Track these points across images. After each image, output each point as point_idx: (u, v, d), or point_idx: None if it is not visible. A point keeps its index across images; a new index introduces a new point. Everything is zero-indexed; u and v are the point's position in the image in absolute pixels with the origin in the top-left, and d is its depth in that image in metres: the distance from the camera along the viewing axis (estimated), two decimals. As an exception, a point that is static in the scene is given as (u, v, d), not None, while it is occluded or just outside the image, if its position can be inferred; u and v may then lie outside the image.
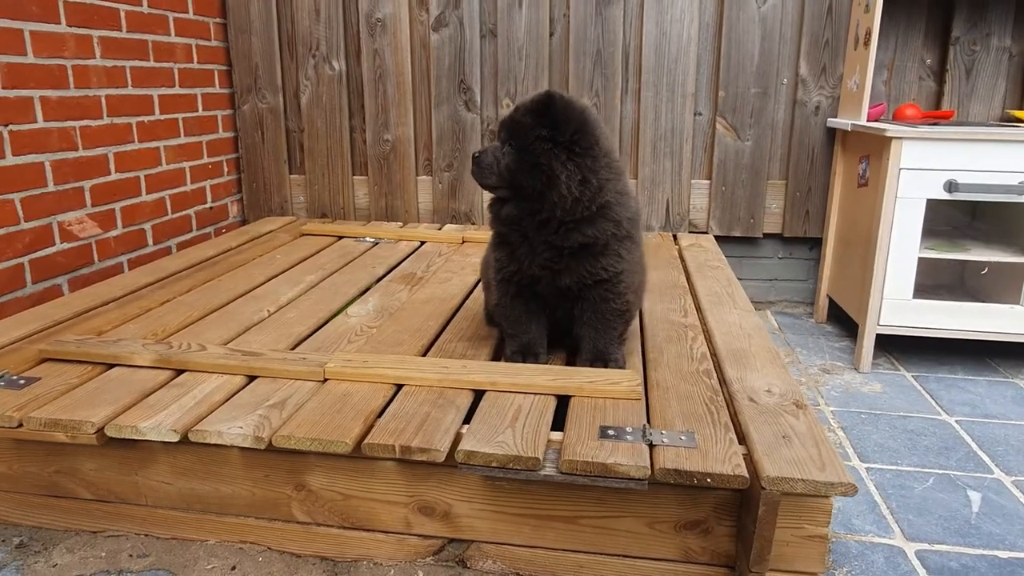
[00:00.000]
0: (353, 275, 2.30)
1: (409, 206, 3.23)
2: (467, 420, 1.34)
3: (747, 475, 1.15)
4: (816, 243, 3.05)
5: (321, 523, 1.42)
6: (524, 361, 1.58)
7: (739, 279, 3.14)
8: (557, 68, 3.02)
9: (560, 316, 1.58)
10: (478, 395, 1.45)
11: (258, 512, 1.44)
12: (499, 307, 1.60)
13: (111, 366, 1.54)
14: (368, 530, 1.40)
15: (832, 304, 2.88)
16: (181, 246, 2.91)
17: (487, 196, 2.91)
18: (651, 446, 1.24)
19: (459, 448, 1.22)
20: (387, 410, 1.37)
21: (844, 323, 2.90)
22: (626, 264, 1.50)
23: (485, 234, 2.73)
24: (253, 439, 1.26)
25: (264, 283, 2.19)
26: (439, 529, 1.38)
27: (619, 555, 1.33)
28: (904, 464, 1.84)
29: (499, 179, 1.48)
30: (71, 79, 2.31)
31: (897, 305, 2.35)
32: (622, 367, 1.54)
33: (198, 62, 2.97)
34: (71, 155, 2.32)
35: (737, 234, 3.06)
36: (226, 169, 3.23)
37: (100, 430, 1.30)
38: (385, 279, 2.30)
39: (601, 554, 1.34)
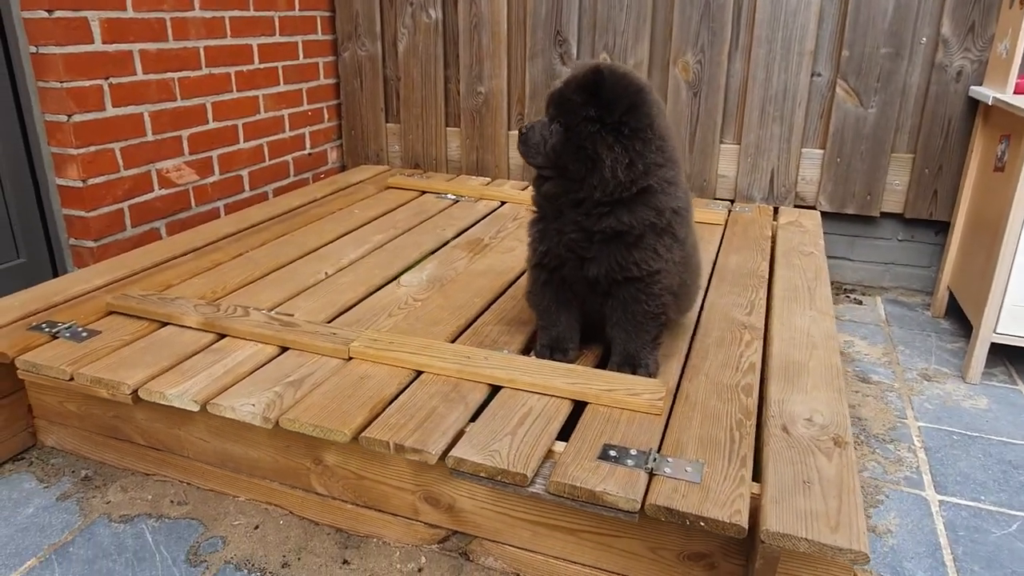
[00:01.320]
0: (421, 237, 2.30)
1: (499, 161, 3.17)
2: (476, 417, 1.32)
3: (745, 525, 1.05)
4: (944, 227, 2.70)
5: (336, 497, 1.45)
6: (551, 357, 1.51)
7: (849, 261, 2.87)
8: (660, 19, 2.79)
9: (592, 311, 1.49)
10: (495, 390, 1.41)
11: (281, 478, 1.49)
12: (530, 294, 1.54)
13: (164, 324, 1.64)
14: (379, 510, 1.43)
15: (952, 299, 2.56)
16: (278, 191, 3.03)
17: None
18: (651, 475, 1.16)
19: (450, 454, 1.20)
20: (397, 399, 1.37)
21: (964, 322, 2.58)
22: (663, 263, 1.38)
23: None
24: (262, 419, 1.30)
25: (333, 241, 2.24)
26: (443, 520, 1.38)
27: (620, 574, 1.27)
28: (987, 502, 1.63)
29: (545, 159, 1.39)
30: (170, 32, 2.40)
31: (1019, 312, 2.04)
32: (652, 375, 1.44)
33: (299, 9, 3.01)
34: (169, 105, 2.44)
35: (850, 211, 2.76)
36: (326, 116, 3.30)
37: (134, 392, 1.39)
38: (451, 243, 2.28)
39: (602, 570, 1.29)
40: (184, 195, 2.56)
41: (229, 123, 2.72)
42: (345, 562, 1.42)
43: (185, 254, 2.08)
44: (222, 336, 1.59)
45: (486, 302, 1.82)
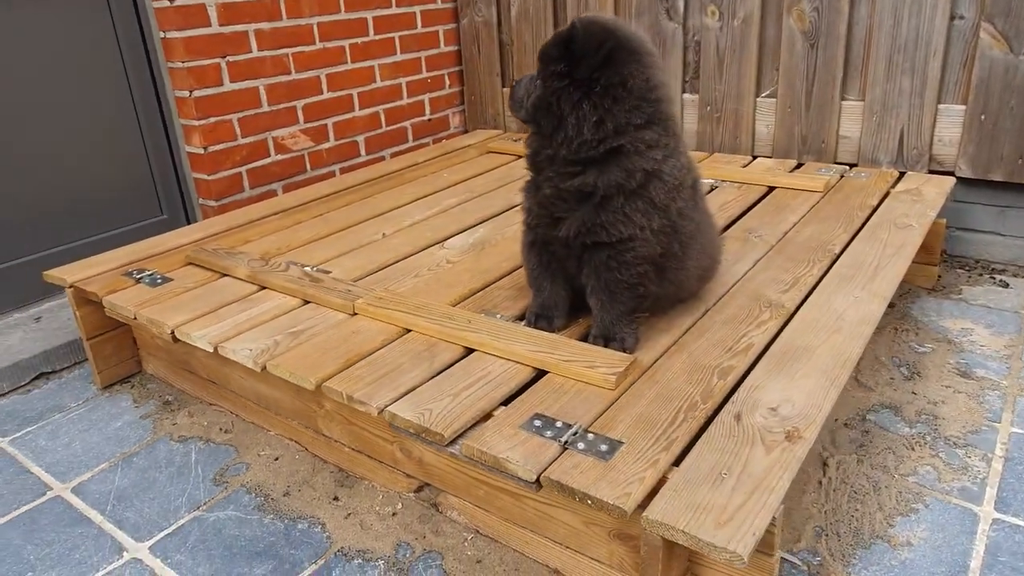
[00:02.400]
0: (491, 202, 2.35)
1: (608, 124, 3.09)
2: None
3: (627, 508, 1.00)
4: (1122, 198, 2.21)
5: (337, 440, 1.59)
6: (535, 324, 1.51)
7: (998, 236, 2.45)
8: (774, -35, 2.54)
9: (575, 278, 1.46)
10: (469, 352, 1.45)
11: (298, 418, 1.66)
12: (523, 257, 1.53)
13: (223, 275, 1.87)
14: (368, 456, 1.54)
15: (1120, 285, 2.11)
16: (395, 155, 3.23)
17: (687, 116, 2.67)
18: (564, 448, 1.14)
19: (387, 408, 1.27)
20: (374, 354, 1.46)
21: None
22: (634, 229, 1.31)
23: None
24: (252, 361, 1.46)
25: (407, 204, 2.36)
26: (416, 471, 1.46)
27: (560, 543, 1.27)
28: (1053, 529, 1.38)
29: (525, 114, 1.38)
30: (283, 10, 2.64)
31: None
32: (627, 349, 1.39)
33: (417, -20, 3.14)
34: (284, 79, 2.70)
35: (997, 178, 2.35)
36: (448, 82, 3.43)
37: (172, 332, 1.62)
38: (516, 208, 2.30)
39: (544, 537, 1.29)
40: (300, 160, 2.83)
41: (344, 93, 2.94)
42: (335, 498, 1.55)
43: (275, 214, 2.32)
44: (262, 288, 1.78)
45: (512, 267, 1.83)
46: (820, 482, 1.52)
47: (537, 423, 1.19)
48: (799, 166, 2.59)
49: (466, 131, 3.56)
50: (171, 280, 1.86)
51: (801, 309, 1.55)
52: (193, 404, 1.91)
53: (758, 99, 2.73)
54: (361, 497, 1.55)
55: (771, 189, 2.35)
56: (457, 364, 1.41)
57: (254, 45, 2.58)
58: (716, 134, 2.84)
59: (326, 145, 2.92)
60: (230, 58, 2.51)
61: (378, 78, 3.07)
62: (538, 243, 1.46)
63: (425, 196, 2.44)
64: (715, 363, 1.35)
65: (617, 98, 1.27)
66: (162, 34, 2.39)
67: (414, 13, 3.17)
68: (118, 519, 1.52)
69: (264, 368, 1.45)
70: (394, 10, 3.07)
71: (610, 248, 1.34)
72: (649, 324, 1.51)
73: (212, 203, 2.58)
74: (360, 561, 1.38)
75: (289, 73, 2.71)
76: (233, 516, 1.51)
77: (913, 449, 1.62)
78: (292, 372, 1.40)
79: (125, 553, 1.43)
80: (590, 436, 1.16)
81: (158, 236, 2.17)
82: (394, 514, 1.49)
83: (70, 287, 1.86)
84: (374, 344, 1.49)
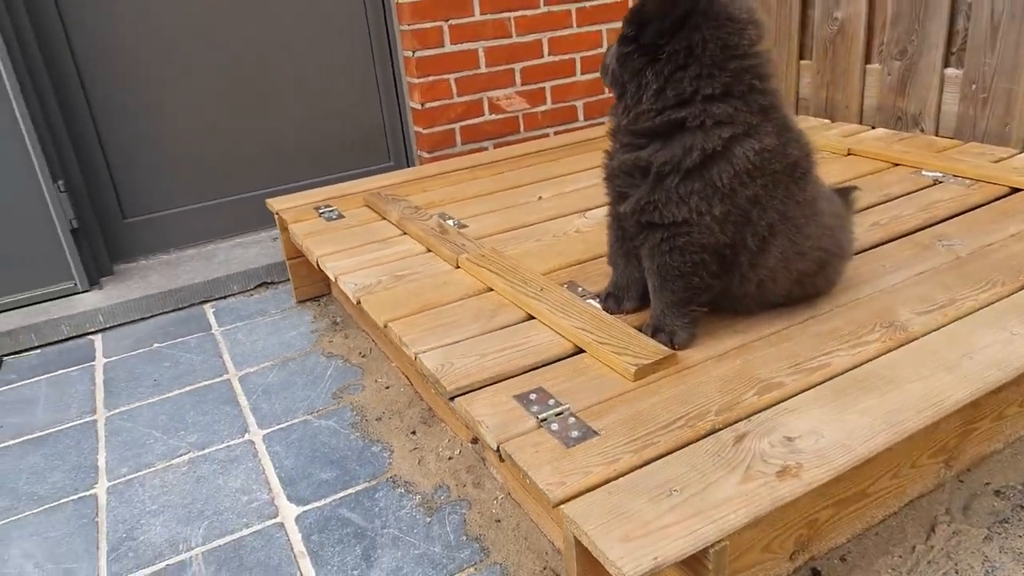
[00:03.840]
0: (665, 175, 2.25)
1: (851, 100, 2.71)
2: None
3: (553, 498, 0.96)
4: None
5: (427, 378, 1.72)
6: (605, 302, 1.45)
7: None
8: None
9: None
10: (529, 319, 1.46)
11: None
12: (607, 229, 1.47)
13: (382, 218, 2.09)
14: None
15: None
16: (616, 123, 3.21)
17: (947, 96, 2.29)
18: (540, 424, 1.11)
19: (419, 355, 1.35)
20: (446, 306, 1.54)
21: None
22: (688, 213, 1.19)
23: (880, 148, 2.21)
24: (353, 294, 1.64)
25: (583, 171, 2.37)
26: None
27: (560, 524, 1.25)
28: None
29: (608, 80, 1.33)
30: (509, -25, 2.77)
31: None
32: (675, 344, 1.27)
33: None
34: (504, 42, 2.84)
35: None
36: (686, 49, 3.28)
37: (317, 261, 1.88)
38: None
39: (550, 514, 1.28)
40: (513, 121, 2.98)
41: (566, 57, 3.00)
42: (413, 432, 1.69)
43: (464, 168, 2.49)
44: (403, 233, 1.96)
45: (632, 243, 1.76)
46: (915, 547, 1.25)
47: (532, 396, 1.18)
48: (1084, 166, 2.03)
49: (702, 101, 3.37)
50: (344, 217, 2.13)
51: (928, 336, 1.26)
52: (351, 328, 2.19)
53: (1041, 77, 2.16)
54: (432, 436, 1.66)
55: (1013, 191, 1.88)
56: (511, 327, 1.43)
57: (476, 9, 2.75)
58: (980, 119, 2.33)
59: (542, 108, 3.01)
60: (452, 21, 2.71)
61: (605, 43, 3.06)
62: (615, 220, 1.40)
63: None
64: (766, 377, 1.18)
65: (681, 65, 1.15)
66: None
67: (653, -24, 3.06)
68: (255, 407, 1.84)
69: (359, 302, 1.62)
70: (630, -27, 3.01)
71: (664, 230, 1.23)
72: (726, 322, 1.36)
73: (426, 154, 2.86)
74: (403, 491, 1.50)
75: (510, 36, 2.84)
76: (331, 427, 1.73)
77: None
78: (374, 309, 1.55)
79: (247, 435, 1.74)
80: (571, 420, 1.11)
81: (359, 180, 2.48)
82: (450, 458, 1.58)
83: (276, 214, 2.24)
84: (453, 296, 1.57)
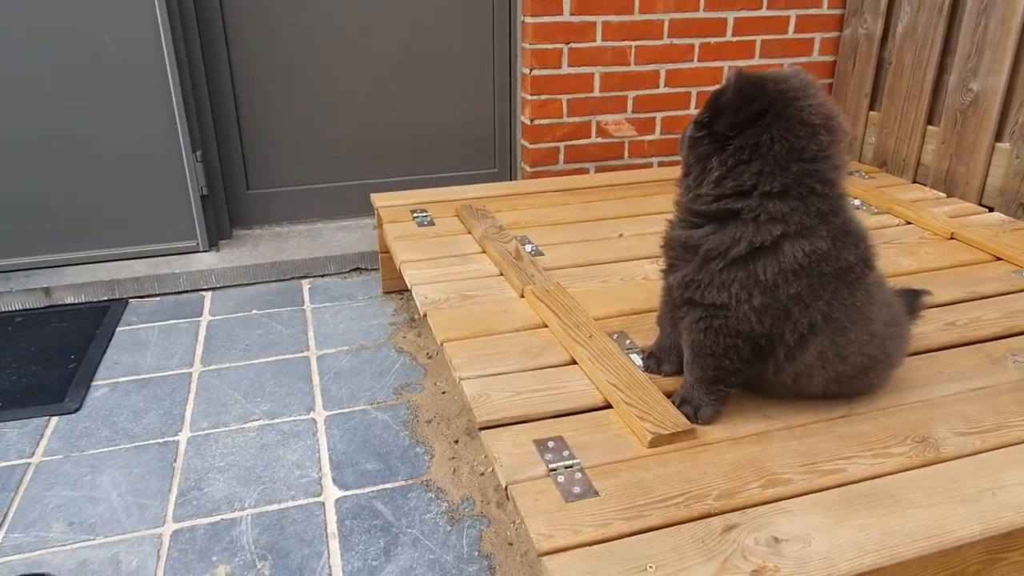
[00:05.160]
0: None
1: (973, 177, 2.59)
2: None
3: (538, 548, 1.05)
4: None
5: (477, 395, 1.84)
6: (646, 361, 1.51)
7: None
8: None
9: None
10: (572, 363, 1.54)
11: (466, 366, 1.95)
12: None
13: (468, 232, 2.22)
14: (489, 418, 1.76)
15: None
16: (724, 160, 3.19)
17: None
18: (548, 473, 1.20)
19: (463, 380, 1.46)
20: (499, 336, 1.65)
21: None
22: (727, 299, 1.23)
23: (985, 238, 2.12)
24: (421, 307, 1.78)
25: (666, 212, 2.40)
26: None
27: (560, 563, 1.35)
28: None
29: (682, 153, 1.39)
30: (636, 5, 2.80)
31: None
32: (699, 419, 1.32)
33: (799, -16, 2.97)
34: (621, 69, 2.89)
35: None
36: (810, 94, 3.20)
37: (399, 265, 2.03)
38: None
39: (554, 551, 1.38)
40: (619, 146, 3.03)
41: (682, 90, 3.01)
42: (456, 441, 1.82)
43: (557, 191, 2.58)
44: (482, 251, 2.08)
45: (694, 301, 1.80)
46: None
47: (550, 444, 1.27)
48: None
49: (819, 149, 3.29)
50: (434, 225, 2.28)
51: (956, 461, 1.25)
52: (425, 328, 2.35)
53: None
54: (472, 450, 1.79)
55: (1118, 312, 1.77)
56: (551, 369, 1.52)
57: (599, 35, 2.81)
58: (1109, 221, 2.18)
59: (649, 137, 3.04)
60: (573, 45, 2.79)
61: (724, 79, 3.04)
62: (666, 285, 1.45)
63: (693, 208, 2.43)
64: (776, 470, 1.22)
65: (745, 160, 1.20)
66: (523, 18, 2.78)
67: (788, 17, 3.02)
68: (325, 388, 2.03)
69: (425, 315, 1.75)
70: (763, 12, 2.97)
71: (703, 309, 1.28)
72: (758, 404, 1.39)
73: (528, 168, 2.96)
74: (432, 496, 1.64)
75: (628, 64, 2.89)
76: (385, 420, 1.89)
77: None
78: (436, 326, 1.68)
79: (312, 413, 1.93)
80: (578, 475, 1.20)
81: (456, 187, 2.62)
82: (482, 474, 1.70)
83: (376, 210, 2.42)
84: (509, 327, 1.67)
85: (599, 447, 1.27)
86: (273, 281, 2.65)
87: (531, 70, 2.79)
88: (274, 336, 2.29)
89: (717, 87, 1.27)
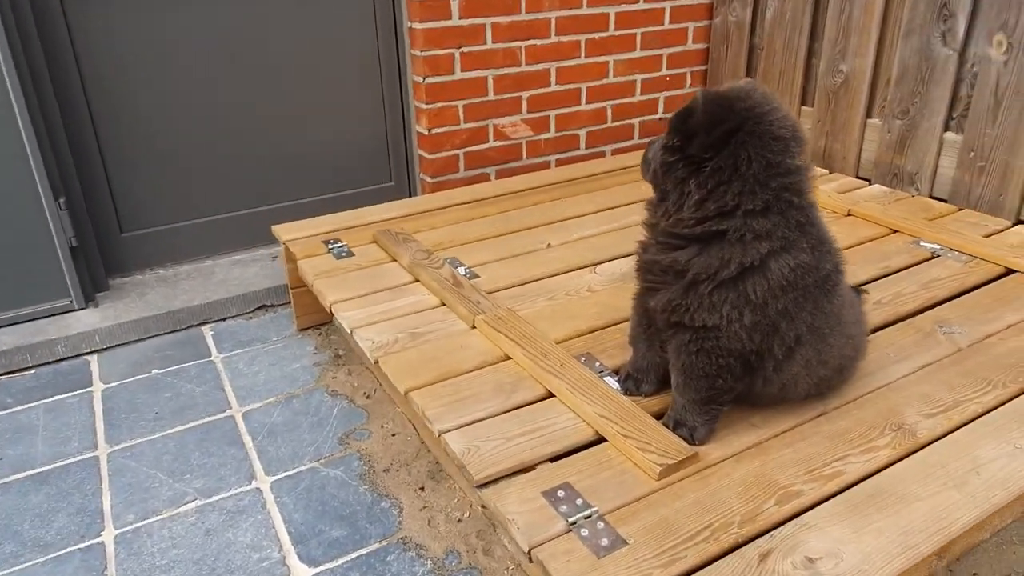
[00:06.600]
0: (671, 226, 2.28)
1: (849, 152, 2.77)
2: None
3: (587, 617, 1.00)
4: None
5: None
6: (624, 383, 1.49)
7: None
8: (1092, -7, 2.03)
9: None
10: (548, 396, 1.49)
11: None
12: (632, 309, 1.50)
13: (392, 259, 2.09)
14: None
15: None
16: (617, 152, 3.23)
17: (944, 160, 2.35)
18: (569, 528, 1.15)
19: (443, 435, 1.37)
20: (465, 375, 1.56)
21: None
22: (719, 320, 1.22)
23: (879, 212, 2.26)
24: (370, 353, 1.65)
25: (587, 215, 2.39)
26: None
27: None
28: None
29: (648, 178, 1.36)
30: (523, 5, 2.75)
31: None
32: (695, 439, 1.32)
33: (671, -24, 3.04)
34: (513, 70, 2.83)
35: None
36: (689, 82, 3.31)
37: (330, 306, 1.88)
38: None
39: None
40: (517, 148, 2.98)
41: (572, 86, 3.00)
42: (421, 488, 1.72)
43: (466, 203, 2.50)
44: (415, 280, 1.97)
45: (644, 310, 1.80)
46: (909, 643, 1.32)
47: (560, 493, 1.21)
48: (1072, 246, 2.12)
49: (701, 133, 3.41)
50: (353, 255, 2.13)
51: (935, 444, 1.32)
52: (354, 364, 2.20)
53: (1038, 154, 2.24)
54: (441, 494, 1.69)
55: (1008, 272, 1.96)
56: (531, 406, 1.45)
57: (489, 37, 2.73)
58: (975, 186, 2.40)
59: (545, 136, 3.02)
60: (464, 49, 2.70)
61: (611, 74, 3.07)
62: (641, 306, 1.43)
63: (608, 208, 2.44)
64: (784, 483, 1.23)
65: (724, 180, 1.18)
66: (409, 24, 2.65)
67: (663, 9, 3.08)
68: (261, 450, 1.85)
69: (377, 362, 1.63)
70: (641, 5, 3.02)
71: (693, 332, 1.27)
72: (742, 414, 1.40)
73: (429, 179, 2.85)
74: (413, 555, 1.53)
75: (519, 65, 2.84)
76: (339, 477, 1.75)
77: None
78: (394, 373, 1.57)
79: (254, 482, 1.75)
80: (600, 525, 1.15)
81: (364, 208, 2.47)
82: (459, 520, 1.61)
83: (283, 244, 2.22)
84: (472, 364, 1.59)
85: (609, 488, 1.23)
86: (168, 333, 2.38)
87: (424, 78, 2.67)
88: (186, 397, 2.06)
89: (680, 109, 1.25)
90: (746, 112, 1.19)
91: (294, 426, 1.93)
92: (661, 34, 3.12)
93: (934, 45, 2.42)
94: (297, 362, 2.22)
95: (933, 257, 2.06)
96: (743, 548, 1.11)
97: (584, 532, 1.13)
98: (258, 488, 1.72)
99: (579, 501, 1.20)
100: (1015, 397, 1.45)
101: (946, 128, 2.47)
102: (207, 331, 2.40)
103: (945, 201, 2.49)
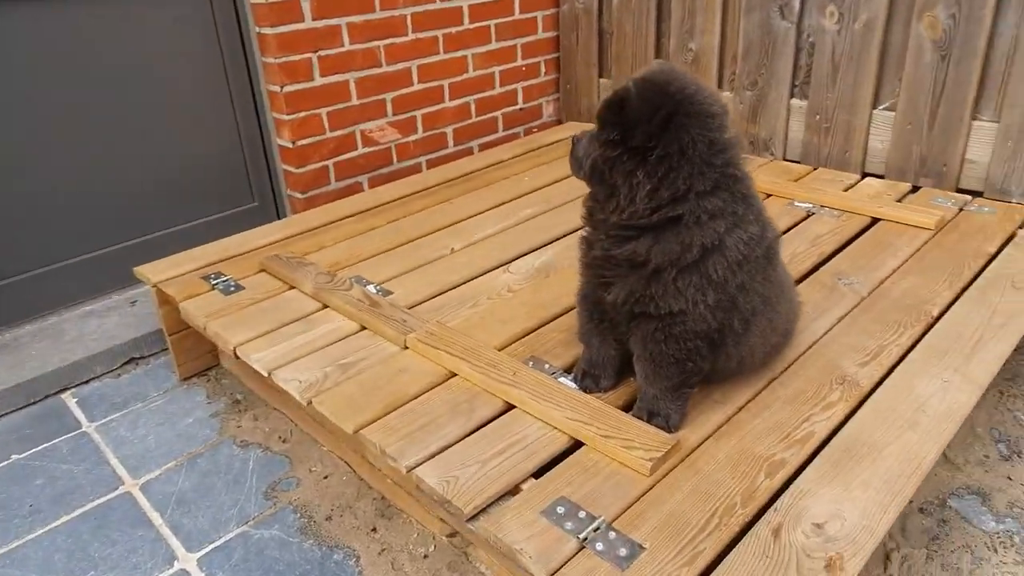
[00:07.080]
0: (567, 216, 2.27)
1: (707, 125, 2.91)
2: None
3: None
4: None
5: (380, 469, 1.61)
6: (582, 381, 1.45)
7: None
8: (907, -36, 2.26)
9: (624, 342, 1.38)
10: (509, 408, 1.41)
11: (347, 440, 1.69)
12: (576, 305, 1.47)
13: (291, 287, 1.91)
14: (407, 491, 1.55)
15: None
16: (484, 147, 3.18)
17: (793, 124, 2.48)
18: (582, 545, 1.09)
19: (414, 471, 1.26)
20: (415, 399, 1.45)
21: None
22: (685, 304, 1.22)
23: (755, 178, 2.37)
24: (300, 395, 1.49)
25: (482, 212, 2.32)
26: (449, 518, 1.46)
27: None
28: None
29: (583, 175, 1.31)
30: (376, 3, 2.62)
31: None
32: (671, 427, 1.31)
33: (516, -35, 3.03)
34: (375, 71, 2.69)
35: None
36: (543, 70, 3.32)
37: (234, 350, 1.67)
38: (592, 226, 2.22)
39: None
40: (386, 153, 2.84)
41: (434, 84, 2.91)
42: (373, 529, 1.58)
43: (352, 215, 2.34)
44: (324, 307, 1.81)
45: (570, 304, 1.75)
46: (879, 579, 1.40)
47: (560, 510, 1.15)
48: (915, 189, 2.35)
49: (560, 121, 3.46)
50: (243, 289, 1.91)
51: (878, 390, 1.40)
52: (259, 407, 1.99)
53: (874, 111, 2.48)
54: (398, 532, 1.56)
55: (875, 221, 2.14)
56: (495, 421, 1.38)
57: (346, 38, 2.57)
58: (823, 146, 2.62)
59: (413, 137, 2.91)
60: (322, 52, 2.52)
61: (471, 68, 3.01)
62: (590, 297, 1.39)
63: (502, 204, 2.39)
64: (766, 453, 1.25)
65: (674, 166, 1.17)
66: (258, 29, 2.43)
67: (513, -1, 3.07)
68: (175, 525, 1.61)
69: (310, 403, 1.47)
70: (491, -3, 2.98)
71: (658, 320, 1.25)
72: (704, 393, 1.42)
73: (299, 195, 2.64)
74: (387, 605, 1.40)
75: (380, 66, 2.70)
76: (276, 536, 1.57)
77: (995, 551, 1.45)
78: (334, 412, 1.42)
79: (176, 563, 1.52)
80: (611, 535, 1.10)
81: (240, 235, 2.24)
82: (426, 556, 1.50)
83: (153, 287, 1.96)
84: (418, 387, 1.48)
85: (604, 493, 1.19)
86: (22, 408, 2.02)
87: (282, 86, 2.46)
88: (64, 481, 1.76)
89: (608, 101, 1.21)
90: (679, 94, 1.18)
91: (207, 489, 1.71)
92: (513, 24, 3.11)
93: (773, 19, 2.60)
94: (190, 416, 1.97)
95: (809, 216, 2.21)
96: (754, 527, 1.11)
97: (599, 546, 1.08)
98: (183, 570, 1.50)
99: (582, 514, 1.14)
100: (924, 335, 1.58)
101: (792, 95, 2.67)
102: (69, 398, 2.07)
103: (798, 163, 2.69)
